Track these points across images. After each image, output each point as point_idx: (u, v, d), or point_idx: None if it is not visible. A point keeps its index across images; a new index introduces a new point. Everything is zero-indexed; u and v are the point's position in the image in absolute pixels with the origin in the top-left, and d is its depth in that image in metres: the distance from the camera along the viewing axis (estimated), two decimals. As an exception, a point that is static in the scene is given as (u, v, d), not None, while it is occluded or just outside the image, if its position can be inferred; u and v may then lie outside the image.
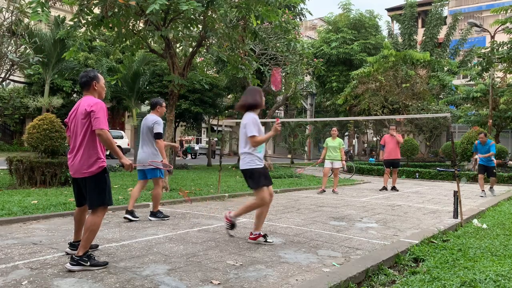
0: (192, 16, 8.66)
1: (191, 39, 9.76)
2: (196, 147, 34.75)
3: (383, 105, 23.10)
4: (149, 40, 9.73)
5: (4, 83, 11.17)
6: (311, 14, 21.98)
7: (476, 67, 19.47)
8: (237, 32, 9.74)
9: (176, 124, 19.67)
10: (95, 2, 8.15)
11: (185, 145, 22.60)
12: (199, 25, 9.38)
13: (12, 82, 23.04)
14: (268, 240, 4.82)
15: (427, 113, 20.92)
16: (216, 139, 32.84)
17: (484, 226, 6.06)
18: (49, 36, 14.68)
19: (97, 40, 24.12)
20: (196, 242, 4.80)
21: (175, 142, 18.82)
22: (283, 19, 11.85)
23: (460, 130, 30.61)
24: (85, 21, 8.46)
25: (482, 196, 10.36)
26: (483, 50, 17.72)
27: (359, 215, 7.23)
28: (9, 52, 9.97)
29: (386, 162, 11.84)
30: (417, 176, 16.99)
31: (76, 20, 8.40)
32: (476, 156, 11.13)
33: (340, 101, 25.53)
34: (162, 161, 6.06)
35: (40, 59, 11.23)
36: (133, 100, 17.17)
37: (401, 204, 8.91)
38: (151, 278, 3.49)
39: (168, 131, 9.34)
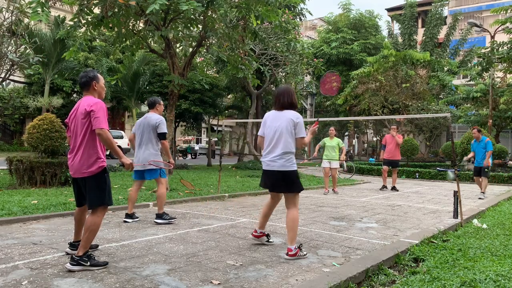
0: (192, 16, 8.66)
1: (191, 39, 9.76)
2: (196, 147, 34.75)
3: (383, 105, 23.11)
4: (149, 40, 9.73)
5: (4, 83, 11.17)
6: (311, 14, 22.01)
7: (476, 67, 19.47)
8: (237, 32, 9.75)
9: (176, 124, 19.67)
10: (95, 2, 8.15)
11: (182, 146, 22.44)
12: (199, 25, 9.38)
13: (12, 82, 23.05)
14: (269, 240, 4.81)
15: (427, 113, 20.92)
16: (216, 139, 32.85)
17: (484, 226, 6.06)
18: (49, 36, 14.70)
19: (97, 40, 24.13)
20: (196, 242, 4.80)
21: (175, 142, 18.81)
22: (283, 19, 11.87)
23: (460, 130, 30.62)
24: (85, 21, 8.47)
25: (481, 198, 10.16)
26: (483, 50, 17.72)
27: (359, 215, 7.23)
28: (9, 52, 9.97)
29: (386, 161, 11.91)
30: (417, 176, 16.99)
31: (76, 20, 8.40)
32: (469, 156, 10.64)
33: (340, 101, 25.54)
34: (168, 161, 6.03)
35: (40, 59, 11.22)
36: (133, 100, 17.18)
37: (401, 204, 8.91)
38: (151, 278, 3.49)
39: (168, 131, 9.33)
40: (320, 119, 4.95)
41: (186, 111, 18.35)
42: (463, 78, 31.72)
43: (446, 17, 34.30)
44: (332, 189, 10.99)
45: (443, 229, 5.66)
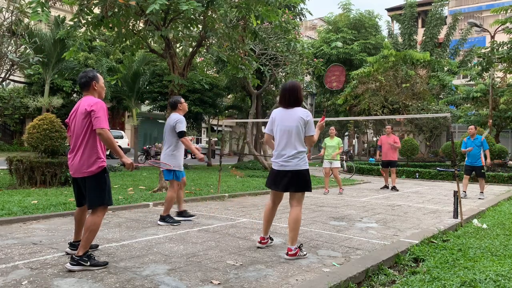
0: (192, 16, 8.66)
1: (191, 39, 9.76)
2: (196, 146, 34.72)
3: (383, 105, 23.12)
4: (149, 40, 9.73)
5: (4, 83, 11.17)
6: (311, 14, 22.00)
7: (476, 67, 19.48)
8: (237, 32, 9.75)
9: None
10: (95, 2, 8.15)
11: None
12: (199, 25, 9.38)
13: (12, 82, 23.03)
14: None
15: (427, 113, 20.92)
16: (216, 139, 32.86)
17: (484, 226, 6.06)
18: (49, 36, 14.69)
19: (97, 40, 24.12)
20: (196, 242, 4.81)
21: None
22: (283, 19, 11.87)
23: (460, 130, 30.60)
24: (85, 21, 8.47)
25: (462, 198, 9.70)
26: (483, 50, 17.73)
27: (359, 215, 7.23)
28: (9, 52, 9.97)
29: (383, 162, 11.97)
30: (417, 176, 16.99)
31: (76, 20, 8.40)
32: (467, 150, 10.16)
33: (340, 101, 25.54)
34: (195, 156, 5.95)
35: (40, 59, 11.22)
36: (133, 100, 17.18)
37: (401, 204, 8.91)
38: (151, 278, 3.49)
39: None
40: (319, 118, 4.91)
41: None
42: (463, 78, 31.73)
43: (446, 17, 34.30)
44: (339, 191, 10.91)
45: (443, 229, 5.66)
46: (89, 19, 8.46)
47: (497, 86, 21.82)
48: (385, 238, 5.34)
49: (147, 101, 21.27)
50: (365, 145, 37.67)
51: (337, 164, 10.96)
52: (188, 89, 17.63)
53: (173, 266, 3.83)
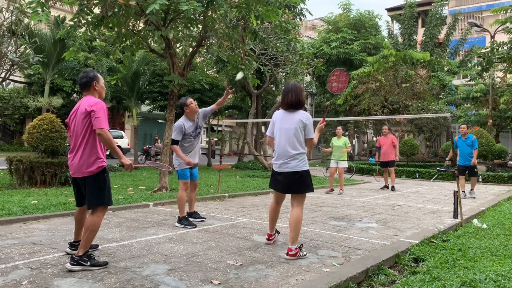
0: (192, 16, 8.66)
1: (191, 39, 9.76)
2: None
3: (383, 105, 23.11)
4: (149, 40, 9.73)
5: (4, 83, 11.18)
6: (311, 14, 22.01)
7: (476, 67, 19.48)
8: (237, 32, 9.74)
9: (176, 124, 19.63)
10: (95, 2, 8.15)
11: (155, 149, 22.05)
12: (199, 25, 9.38)
13: (12, 82, 23.04)
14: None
15: (427, 113, 20.93)
16: (216, 139, 32.84)
17: (484, 226, 6.06)
18: (49, 36, 14.67)
19: (97, 40, 24.10)
20: (196, 242, 4.81)
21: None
22: (283, 19, 11.86)
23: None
24: (85, 21, 8.46)
25: (466, 198, 9.93)
26: (483, 50, 17.72)
27: (359, 215, 7.23)
28: (9, 52, 9.97)
29: (381, 163, 12.00)
30: (417, 176, 16.99)
31: (76, 20, 8.40)
32: (450, 156, 9.97)
33: (340, 101, 25.55)
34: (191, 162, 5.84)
35: (40, 59, 11.23)
36: (133, 100, 17.17)
37: (401, 204, 8.91)
38: (151, 278, 3.49)
39: (168, 131, 9.34)
40: (320, 119, 4.92)
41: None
42: (463, 78, 31.72)
43: (446, 17, 34.29)
44: (339, 191, 10.92)
45: (443, 229, 5.66)
46: (89, 19, 8.46)
47: (497, 86, 21.82)
48: (385, 238, 5.34)
49: (147, 101, 21.26)
50: (365, 145, 37.68)
51: (343, 164, 11.01)
52: (188, 89, 17.62)
53: (173, 266, 3.83)
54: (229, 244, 4.77)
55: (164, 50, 9.47)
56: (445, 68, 25.99)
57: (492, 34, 19.98)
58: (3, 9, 9.87)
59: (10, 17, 10.01)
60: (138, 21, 9.10)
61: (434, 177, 15.98)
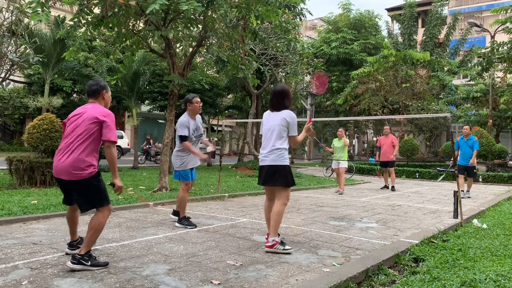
0: (192, 16, 8.66)
1: (191, 39, 9.76)
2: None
3: (383, 105, 23.11)
4: (149, 40, 9.73)
5: (4, 83, 11.18)
6: (311, 14, 22.00)
7: (476, 67, 19.49)
8: (237, 32, 9.74)
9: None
10: (95, 2, 8.15)
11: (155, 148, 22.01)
12: (199, 25, 9.38)
13: (12, 82, 23.04)
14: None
15: (427, 113, 20.93)
16: (216, 139, 32.87)
17: (484, 226, 6.06)
18: (49, 36, 14.66)
19: (97, 40, 24.10)
20: (196, 242, 4.81)
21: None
22: (283, 19, 11.86)
23: (460, 130, 30.53)
24: (85, 21, 8.46)
25: (463, 197, 9.84)
26: (483, 50, 17.73)
27: (359, 215, 7.23)
28: (9, 52, 9.97)
29: (381, 163, 12.02)
30: (417, 176, 16.99)
31: (76, 20, 8.40)
32: (456, 156, 10.05)
33: (340, 101, 25.55)
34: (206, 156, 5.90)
35: (40, 59, 11.23)
36: (133, 100, 17.16)
37: (401, 204, 8.91)
38: (151, 278, 3.49)
39: (168, 130, 9.34)
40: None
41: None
42: (463, 78, 31.72)
43: (446, 17, 34.29)
44: (338, 190, 10.96)
45: (443, 229, 5.66)
46: (89, 19, 8.46)
47: (497, 86, 21.82)
48: (385, 238, 5.34)
49: (147, 101, 21.25)
50: (365, 145, 37.67)
51: (344, 164, 11.06)
52: (188, 89, 17.60)
53: (173, 266, 3.83)
54: (229, 244, 4.77)
55: (164, 50, 9.47)
56: (445, 68, 25.99)
57: (492, 34, 19.98)
58: (3, 9, 9.87)
59: (10, 17, 10.01)
60: (138, 21, 9.10)
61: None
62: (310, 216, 6.90)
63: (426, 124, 23.76)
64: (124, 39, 9.05)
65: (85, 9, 8.20)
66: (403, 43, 30.97)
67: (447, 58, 28.44)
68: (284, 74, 18.42)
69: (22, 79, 25.87)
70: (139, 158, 20.10)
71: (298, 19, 20.66)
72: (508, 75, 20.79)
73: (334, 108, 30.40)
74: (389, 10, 39.69)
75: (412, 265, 4.12)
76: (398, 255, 4.25)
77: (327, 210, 7.74)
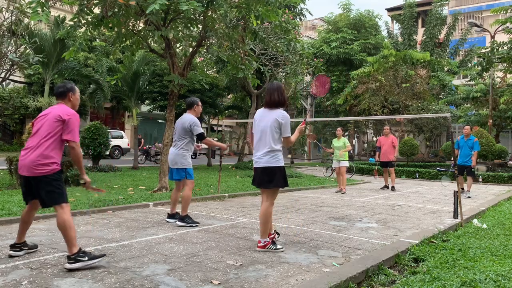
0: (192, 16, 8.65)
1: (191, 39, 9.76)
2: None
3: (383, 105, 23.11)
4: (149, 40, 9.73)
5: (4, 83, 11.18)
6: (311, 14, 22.01)
7: (476, 67, 19.47)
8: (237, 32, 9.74)
9: (176, 124, 19.63)
10: (95, 2, 8.15)
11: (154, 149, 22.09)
12: (199, 25, 9.38)
13: (12, 82, 23.04)
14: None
15: (427, 113, 20.92)
16: (216, 139, 32.87)
17: (484, 226, 6.06)
18: (49, 36, 14.65)
19: (97, 40, 24.10)
20: (196, 242, 4.81)
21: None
22: (283, 19, 11.85)
23: (460, 130, 30.56)
24: (85, 21, 8.46)
25: (462, 193, 9.88)
26: (483, 50, 17.72)
27: (359, 215, 7.23)
28: (9, 52, 9.96)
29: (381, 163, 12.03)
30: (417, 176, 16.98)
31: (76, 20, 8.39)
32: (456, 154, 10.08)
33: (340, 101, 25.54)
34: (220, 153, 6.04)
35: (40, 59, 11.22)
36: (133, 100, 17.16)
37: (401, 204, 8.91)
38: (151, 278, 3.49)
39: (168, 130, 9.33)
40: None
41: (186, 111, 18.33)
42: (463, 78, 31.71)
43: (446, 17, 34.29)
44: (339, 189, 10.98)
45: (443, 229, 5.66)
46: (89, 19, 8.46)
47: (497, 86, 21.81)
48: (385, 238, 5.34)
49: (147, 101, 21.25)
50: (365, 145, 37.67)
51: (344, 163, 11.06)
52: (188, 89, 17.61)
53: (173, 266, 3.83)
54: (229, 244, 4.77)
55: (164, 50, 9.46)
56: (445, 68, 25.99)
57: (492, 34, 19.97)
58: (3, 9, 9.86)
59: (10, 17, 10.00)
60: (138, 21, 9.10)
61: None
62: (310, 216, 6.90)
63: (426, 124, 23.76)
64: (124, 39, 9.05)
65: (85, 9, 8.20)
66: (403, 43, 30.97)
67: (447, 58, 28.44)
68: (284, 74, 18.42)
69: (22, 79, 25.87)
70: (139, 158, 20.10)
71: (298, 19, 20.66)
72: (508, 75, 20.79)
73: (334, 108, 30.39)
74: (389, 10, 39.69)
75: (412, 265, 4.12)
76: (398, 255, 4.25)
77: (327, 210, 7.74)
